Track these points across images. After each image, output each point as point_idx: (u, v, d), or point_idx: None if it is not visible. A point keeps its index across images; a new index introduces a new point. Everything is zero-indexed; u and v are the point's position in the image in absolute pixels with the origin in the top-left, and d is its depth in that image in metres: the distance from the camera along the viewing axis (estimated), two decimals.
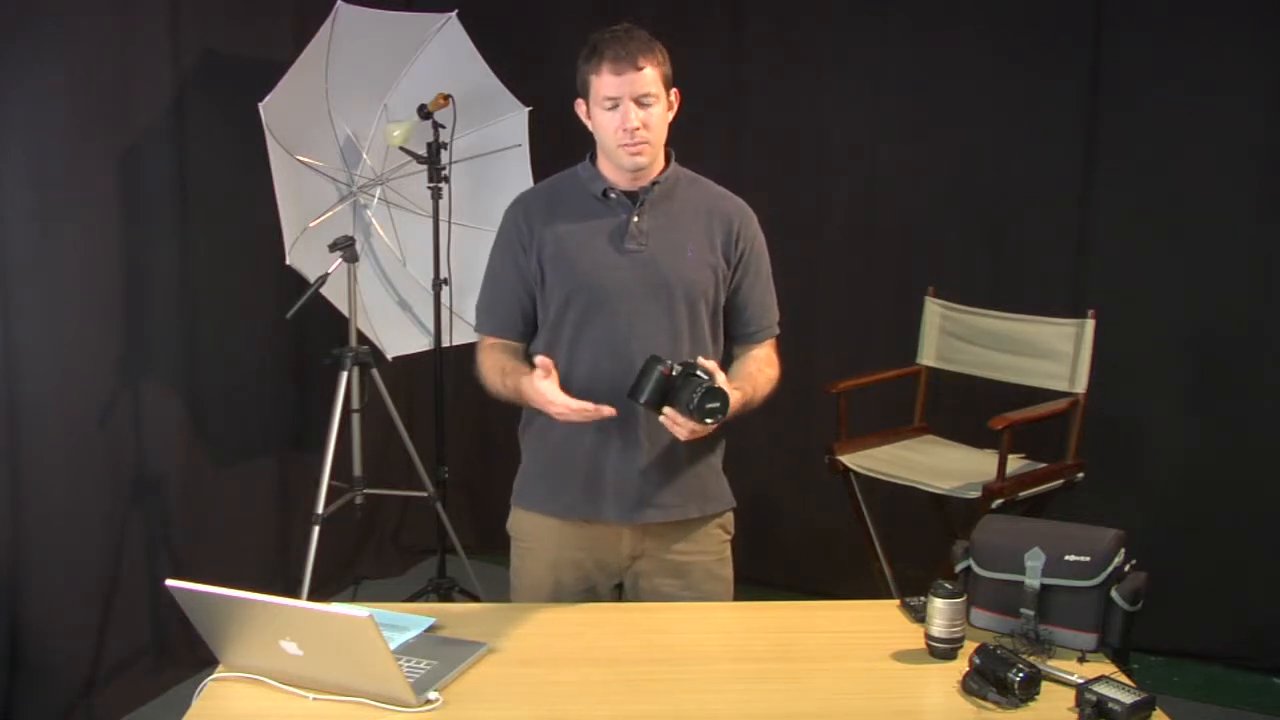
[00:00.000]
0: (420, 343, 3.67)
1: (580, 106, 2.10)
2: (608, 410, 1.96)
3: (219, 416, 3.49)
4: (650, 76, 2.01)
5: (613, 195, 2.10)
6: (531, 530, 2.19)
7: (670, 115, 2.09)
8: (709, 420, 1.91)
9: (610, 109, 2.02)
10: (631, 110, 2.01)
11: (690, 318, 2.10)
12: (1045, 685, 1.75)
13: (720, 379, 1.96)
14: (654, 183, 2.10)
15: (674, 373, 1.92)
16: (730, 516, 2.24)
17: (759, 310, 2.21)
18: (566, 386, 2.03)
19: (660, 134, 2.07)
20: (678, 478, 2.12)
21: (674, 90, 2.09)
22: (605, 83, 2.01)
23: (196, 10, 3.27)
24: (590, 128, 2.10)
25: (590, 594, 2.19)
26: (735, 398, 1.99)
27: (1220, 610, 3.47)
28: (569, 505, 2.13)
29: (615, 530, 2.14)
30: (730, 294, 2.17)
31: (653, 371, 1.92)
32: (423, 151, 3.43)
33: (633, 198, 2.10)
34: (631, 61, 2.00)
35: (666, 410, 1.93)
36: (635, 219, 2.08)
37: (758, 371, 2.17)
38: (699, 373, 1.93)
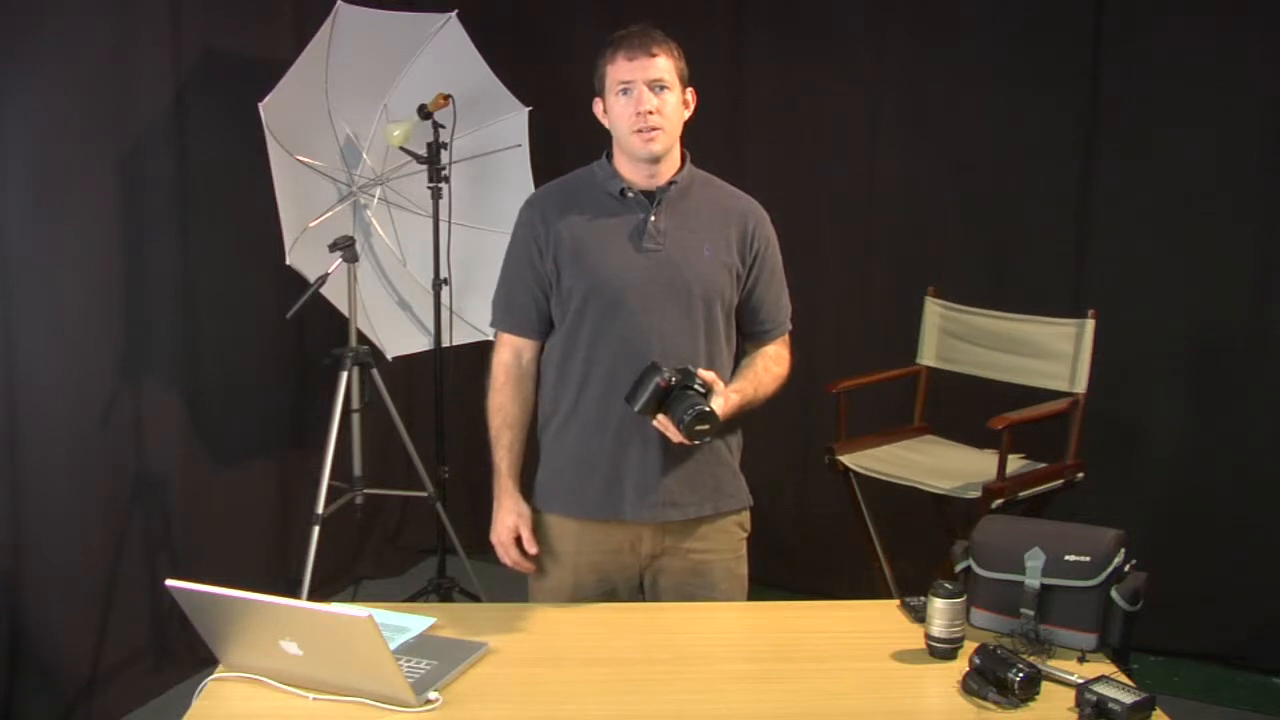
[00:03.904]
0: (420, 343, 3.67)
1: (598, 105, 2.11)
2: (530, 568, 2.17)
3: (219, 416, 3.49)
4: (664, 64, 2.04)
5: (630, 194, 2.10)
6: (551, 532, 2.19)
7: (686, 114, 2.11)
8: (697, 441, 1.98)
9: (623, 93, 2.04)
10: (645, 94, 2.02)
11: (707, 317, 2.11)
12: (1045, 685, 1.75)
13: (718, 389, 2.00)
14: (671, 182, 2.11)
15: (671, 383, 1.96)
16: (747, 515, 2.24)
17: (773, 309, 2.22)
18: (585, 386, 2.10)
19: (674, 125, 2.07)
20: (695, 476, 2.13)
21: (690, 90, 2.11)
22: (619, 68, 2.04)
23: (196, 10, 3.27)
24: (607, 124, 2.11)
25: (609, 596, 2.19)
26: (733, 400, 2.05)
27: (1220, 610, 3.47)
28: (590, 505, 2.13)
29: (635, 530, 2.14)
30: (745, 294, 2.18)
31: (650, 382, 1.96)
32: (423, 151, 3.43)
33: (650, 197, 2.10)
34: (645, 49, 2.03)
35: (660, 417, 1.98)
36: (653, 218, 2.09)
37: (764, 370, 2.19)
38: (696, 385, 1.97)
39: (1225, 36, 3.37)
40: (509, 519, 2.16)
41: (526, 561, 2.16)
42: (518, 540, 2.16)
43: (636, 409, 1.97)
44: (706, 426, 1.94)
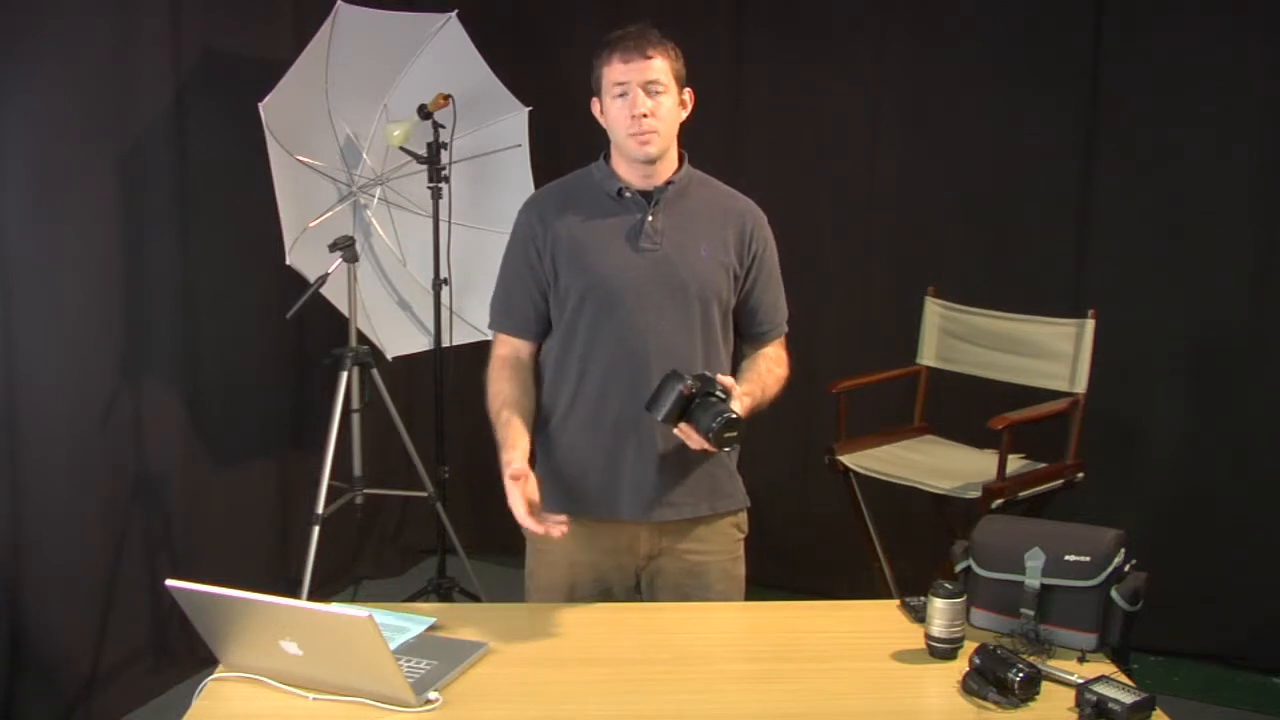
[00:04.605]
0: (420, 343, 3.67)
1: (595, 105, 2.12)
2: (556, 531, 1.93)
3: (219, 416, 3.49)
4: (659, 66, 2.04)
5: (627, 194, 2.11)
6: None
7: (683, 115, 2.11)
8: (725, 449, 1.96)
9: (619, 96, 2.04)
10: (639, 97, 2.03)
11: (703, 317, 2.11)
12: (1045, 685, 1.75)
13: (735, 393, 1.99)
14: (668, 182, 2.11)
15: (693, 391, 1.94)
16: (744, 516, 2.24)
17: (770, 310, 2.22)
18: (581, 385, 2.10)
19: (670, 126, 2.08)
20: (692, 476, 2.13)
21: (688, 91, 2.11)
22: (615, 70, 2.04)
23: (196, 10, 3.27)
24: (604, 124, 2.12)
25: (606, 596, 2.19)
26: (746, 404, 2.04)
27: (1220, 610, 3.47)
28: (586, 505, 2.13)
29: (631, 530, 2.14)
30: (743, 295, 2.18)
31: (672, 390, 1.94)
32: (423, 151, 3.43)
33: (647, 197, 2.11)
34: (640, 51, 2.03)
35: (682, 426, 1.96)
36: (650, 218, 2.09)
37: (767, 372, 2.19)
38: (718, 392, 1.96)
39: (1225, 36, 3.37)
40: (513, 501, 1.97)
41: (540, 524, 1.95)
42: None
43: (660, 418, 1.95)
44: (735, 433, 1.93)
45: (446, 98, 3.39)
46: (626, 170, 2.12)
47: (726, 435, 1.92)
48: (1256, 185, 3.39)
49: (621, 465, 2.11)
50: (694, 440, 1.96)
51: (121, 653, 3.19)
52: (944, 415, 3.70)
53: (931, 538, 3.43)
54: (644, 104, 2.03)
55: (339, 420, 3.28)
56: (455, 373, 3.57)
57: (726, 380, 1.99)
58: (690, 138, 2.17)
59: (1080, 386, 3.30)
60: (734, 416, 1.93)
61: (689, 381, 1.94)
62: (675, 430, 1.97)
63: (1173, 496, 3.55)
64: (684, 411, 1.95)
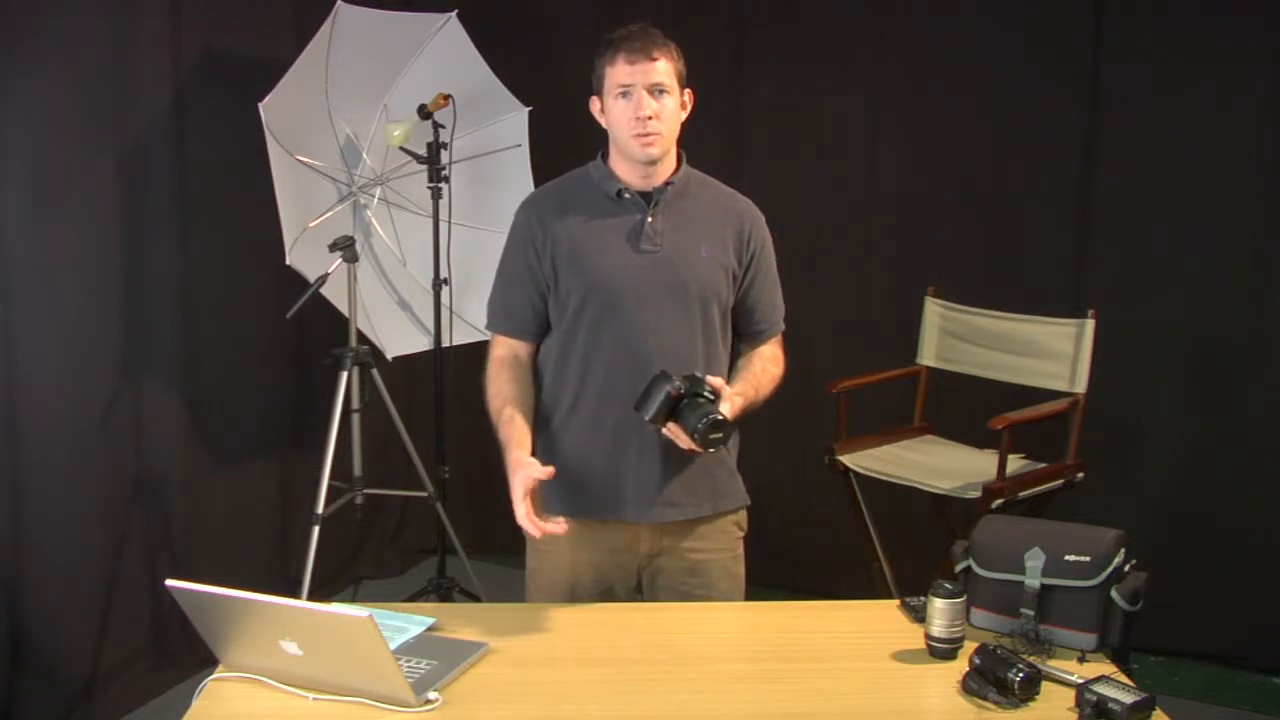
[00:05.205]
0: (420, 343, 3.67)
1: (595, 104, 2.11)
2: (559, 529, 1.98)
3: (219, 416, 3.49)
4: (664, 68, 2.04)
5: (627, 195, 2.11)
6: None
7: (684, 115, 2.11)
8: (710, 450, 1.96)
9: (623, 96, 2.04)
10: (644, 99, 2.02)
11: (704, 318, 2.11)
12: (1045, 685, 1.75)
13: (725, 394, 1.99)
14: (668, 183, 2.11)
15: (681, 393, 1.95)
16: (744, 514, 2.25)
17: (768, 309, 2.23)
18: (583, 386, 2.10)
19: (672, 128, 2.08)
20: (693, 476, 2.13)
21: (688, 91, 2.11)
22: (619, 71, 2.04)
23: (196, 10, 3.27)
24: (604, 124, 2.11)
25: (607, 595, 2.19)
26: (737, 404, 2.04)
27: (1220, 610, 3.47)
28: (589, 506, 2.13)
29: (633, 529, 2.15)
30: (740, 294, 2.18)
31: (660, 392, 1.95)
32: (423, 151, 3.43)
33: (646, 198, 2.11)
34: (645, 52, 2.03)
35: (670, 426, 1.97)
36: (650, 219, 2.09)
37: (762, 371, 2.19)
38: (706, 393, 1.97)
39: (1225, 36, 3.37)
40: (515, 487, 2.01)
41: (540, 524, 1.98)
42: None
43: (648, 419, 1.96)
44: (720, 434, 1.94)
45: (446, 98, 3.39)
46: (625, 170, 2.11)
47: (712, 436, 1.93)
48: (1256, 185, 3.38)
49: (624, 466, 2.11)
50: (682, 440, 1.97)
51: (121, 653, 3.19)
52: (944, 415, 3.70)
53: (931, 538, 3.43)
54: (649, 106, 2.02)
55: (339, 420, 3.28)
56: (455, 373, 3.57)
57: (715, 381, 2.00)
58: (690, 138, 2.16)
59: (1080, 386, 3.30)
60: (720, 418, 1.93)
61: (677, 382, 1.95)
62: (664, 430, 1.98)
63: (1173, 496, 3.55)
64: (672, 412, 1.96)
